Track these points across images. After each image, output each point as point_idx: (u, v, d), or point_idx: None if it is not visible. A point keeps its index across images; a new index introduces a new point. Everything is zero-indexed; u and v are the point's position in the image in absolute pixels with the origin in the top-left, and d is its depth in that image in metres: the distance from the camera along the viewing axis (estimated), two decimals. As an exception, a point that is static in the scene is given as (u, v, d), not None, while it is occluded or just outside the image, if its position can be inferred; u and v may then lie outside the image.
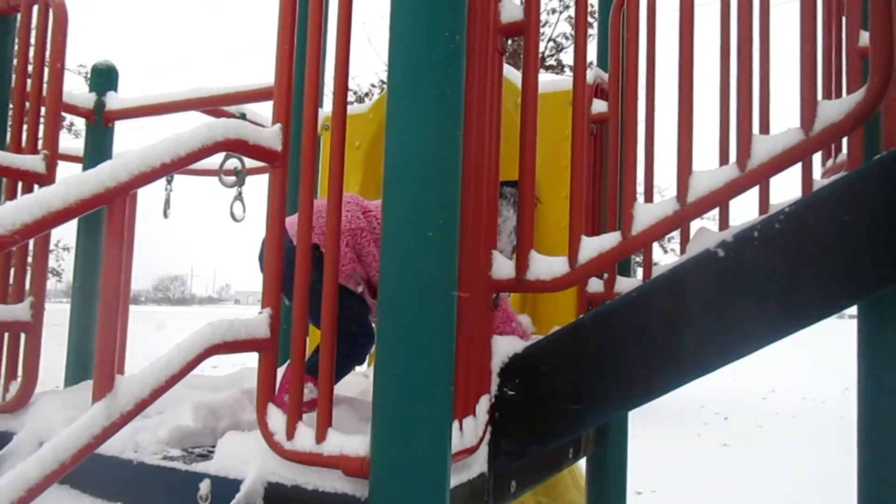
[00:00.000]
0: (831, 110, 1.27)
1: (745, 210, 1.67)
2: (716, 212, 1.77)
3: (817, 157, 2.06)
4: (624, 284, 1.99)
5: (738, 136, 1.33)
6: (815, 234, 1.24)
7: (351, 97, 11.98)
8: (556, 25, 12.08)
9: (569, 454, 1.97)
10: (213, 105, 3.04)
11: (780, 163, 1.30)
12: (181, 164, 1.19)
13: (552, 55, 11.87)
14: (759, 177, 1.33)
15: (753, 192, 1.64)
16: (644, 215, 1.39)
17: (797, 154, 1.29)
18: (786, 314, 1.30)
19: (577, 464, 2.67)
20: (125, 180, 1.12)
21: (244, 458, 1.40)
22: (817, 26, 1.39)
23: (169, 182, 4.43)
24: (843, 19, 1.77)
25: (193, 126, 1.29)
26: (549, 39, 11.91)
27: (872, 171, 1.22)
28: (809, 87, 1.31)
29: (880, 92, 1.22)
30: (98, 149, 2.94)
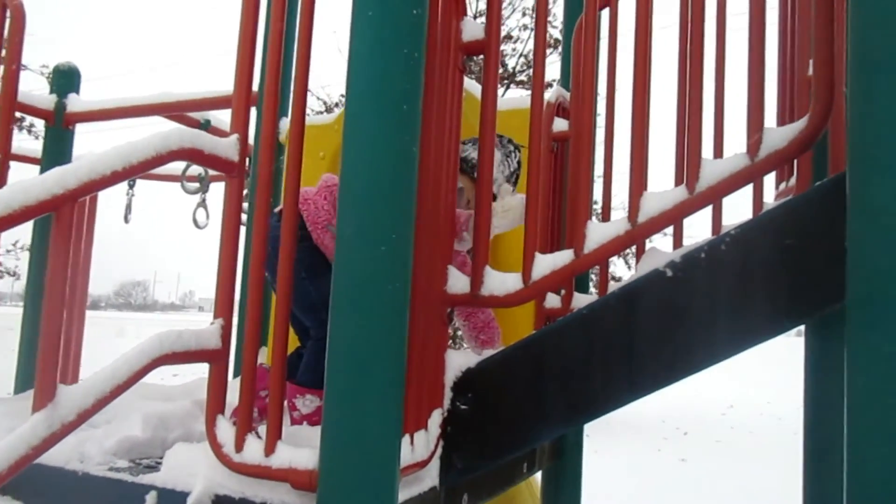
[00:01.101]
0: (776, 137, 1.31)
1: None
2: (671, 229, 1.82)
3: (771, 180, 2.12)
4: (581, 301, 2.02)
5: (687, 160, 1.36)
6: (758, 257, 1.28)
7: (320, 107, 11.94)
8: (527, 41, 12.21)
9: (523, 468, 1.98)
10: (176, 111, 3.01)
11: (727, 186, 1.34)
12: (133, 172, 1.18)
13: (523, 71, 11.99)
14: (708, 199, 1.36)
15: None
16: (596, 234, 1.41)
17: (743, 178, 1.33)
18: (731, 334, 1.33)
19: (535, 477, 2.69)
20: (73, 188, 1.10)
21: (192, 469, 1.38)
22: (765, 56, 1.44)
23: (131, 187, 4.36)
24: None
25: (149, 133, 1.28)
26: (521, 55, 12.03)
27: (814, 196, 1.26)
28: (756, 114, 1.35)
29: (822, 120, 1.26)
30: (57, 151, 2.89)
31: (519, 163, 2.22)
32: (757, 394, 13.90)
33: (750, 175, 1.34)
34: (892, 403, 0.96)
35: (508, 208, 2.06)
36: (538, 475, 2.45)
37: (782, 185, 2.15)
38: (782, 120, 1.91)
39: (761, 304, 1.31)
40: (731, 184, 1.34)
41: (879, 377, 0.96)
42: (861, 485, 0.98)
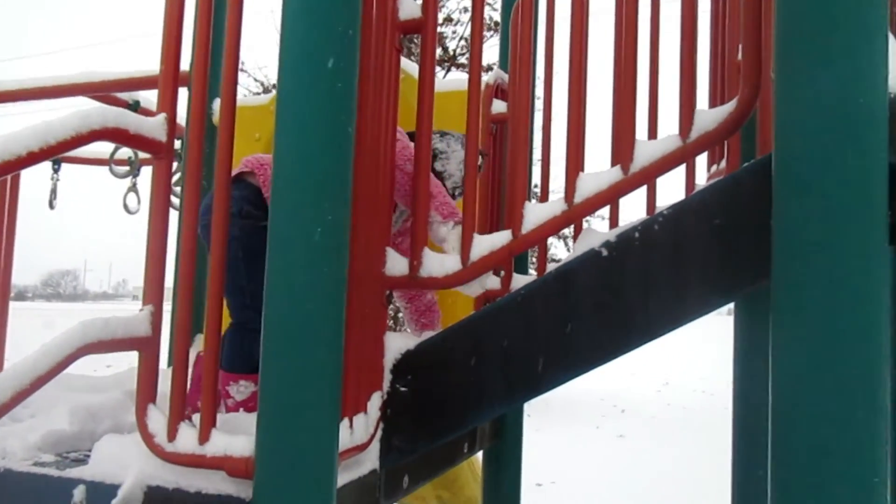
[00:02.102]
0: (706, 119, 1.34)
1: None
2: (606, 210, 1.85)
3: (704, 161, 2.18)
4: (520, 282, 2.03)
5: (620, 141, 1.38)
6: (690, 236, 1.31)
7: (257, 88, 11.67)
8: (467, 24, 12.20)
9: (463, 448, 2.00)
10: (102, 91, 2.89)
11: (660, 167, 1.36)
12: (51, 153, 1.12)
13: (463, 54, 11.97)
14: (642, 180, 1.39)
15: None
16: (533, 214, 1.42)
17: (675, 159, 1.36)
18: (665, 311, 1.37)
19: (477, 457, 2.72)
20: (-15, 168, 1.04)
21: (123, 461, 1.33)
22: (696, 41, 1.47)
23: (55, 171, 4.17)
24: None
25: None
26: (461, 38, 12.00)
27: (742, 176, 1.30)
28: (688, 96, 1.38)
29: (749, 103, 1.30)
30: (-29, 133, 2.73)
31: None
32: (691, 372, 14.40)
33: (682, 156, 1.37)
34: (813, 376, 1.00)
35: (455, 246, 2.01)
36: (479, 455, 2.48)
37: (714, 167, 2.21)
38: (714, 102, 1.96)
39: (692, 282, 1.35)
40: (664, 165, 1.37)
41: (802, 352, 1.00)
42: (784, 456, 1.02)
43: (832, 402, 0.98)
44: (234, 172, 1.77)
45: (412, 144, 1.82)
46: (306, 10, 1.18)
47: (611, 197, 1.40)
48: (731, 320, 2.26)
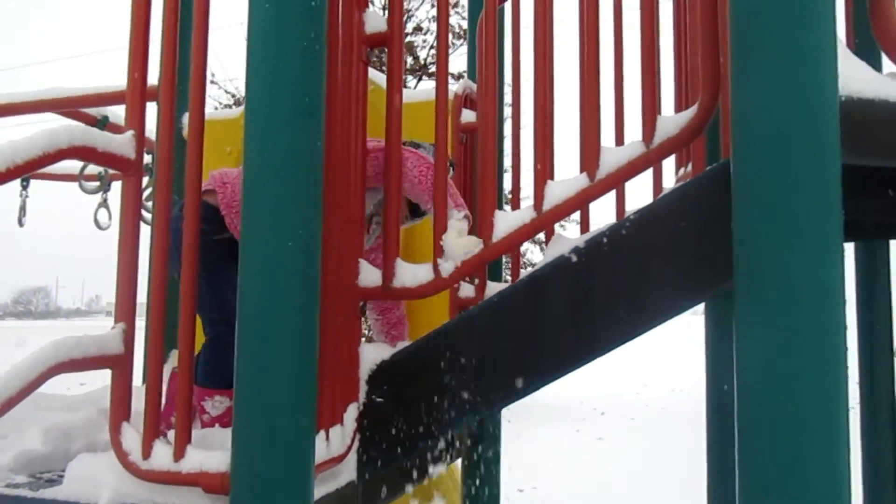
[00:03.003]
0: (669, 125, 1.37)
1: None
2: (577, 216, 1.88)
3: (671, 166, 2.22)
4: (493, 289, 2.05)
5: (587, 148, 1.41)
6: (656, 240, 1.34)
7: (228, 100, 11.60)
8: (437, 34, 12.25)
9: (442, 456, 2.00)
10: (69, 107, 2.86)
11: (625, 173, 1.39)
12: (18, 173, 1.11)
13: (434, 62, 12.01)
14: (609, 186, 1.41)
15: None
16: (504, 223, 1.44)
17: (640, 164, 1.39)
18: (633, 315, 1.39)
19: (457, 465, 2.73)
20: (-49, 190, 1.03)
21: (97, 481, 1.33)
22: (658, 47, 1.50)
23: (24, 188, 4.11)
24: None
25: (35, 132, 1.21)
26: (431, 47, 12.05)
27: (704, 180, 1.33)
28: (650, 103, 1.41)
29: (709, 108, 1.33)
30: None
31: None
32: (668, 372, 14.54)
33: (647, 161, 1.39)
34: (775, 373, 1.03)
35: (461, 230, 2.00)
36: (458, 464, 2.49)
37: (682, 170, 2.26)
38: (679, 108, 2.00)
39: (660, 286, 1.37)
40: (630, 170, 1.39)
41: (763, 350, 1.03)
42: (749, 449, 1.04)
43: (794, 396, 1.01)
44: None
45: (429, 157, 1.83)
46: (272, 25, 1.19)
47: (579, 203, 1.42)
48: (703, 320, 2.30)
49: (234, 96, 11.72)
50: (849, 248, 2.44)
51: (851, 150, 1.07)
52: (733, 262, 1.09)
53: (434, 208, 1.52)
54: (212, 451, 1.24)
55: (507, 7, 1.94)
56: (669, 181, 2.05)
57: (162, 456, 1.26)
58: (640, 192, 1.81)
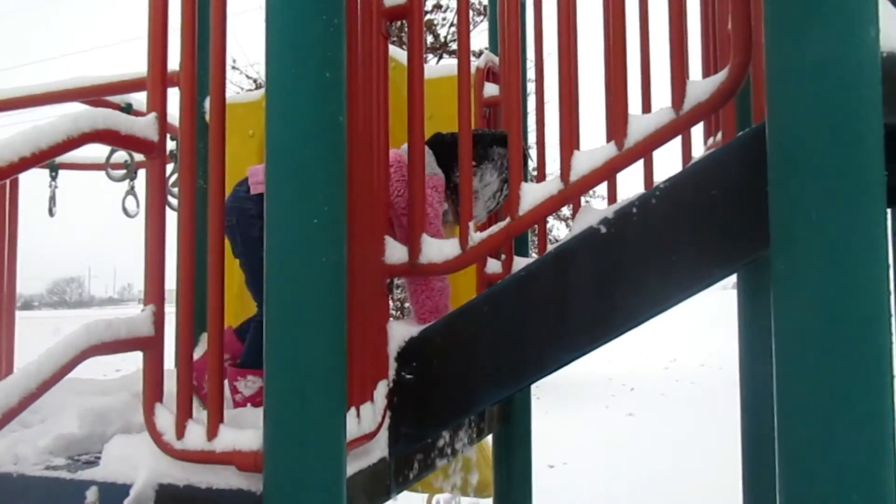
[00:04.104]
0: (698, 90, 1.33)
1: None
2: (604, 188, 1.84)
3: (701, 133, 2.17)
4: (521, 264, 2.03)
5: (613, 117, 1.38)
6: (687, 209, 1.31)
7: (249, 84, 11.63)
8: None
9: (473, 433, 2.00)
10: (93, 95, 2.87)
11: (654, 141, 1.36)
12: (43, 157, 1.12)
13: (454, 40, 11.90)
14: (637, 154, 1.38)
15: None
16: (530, 195, 1.42)
17: (669, 132, 1.35)
18: (664, 286, 1.36)
19: (488, 441, 2.73)
20: (-23, 177, 1.04)
21: (133, 461, 1.34)
22: (686, 11, 1.45)
23: (53, 178, 4.16)
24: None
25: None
26: (451, 25, 11.93)
27: (735, 146, 1.29)
28: (679, 68, 1.37)
29: (741, 71, 1.29)
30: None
31: (505, 180, 1.99)
32: (698, 347, 14.42)
33: (676, 128, 1.36)
34: (815, 343, 1.00)
35: None
36: (489, 440, 2.49)
37: (711, 139, 2.20)
38: (707, 73, 1.94)
39: (690, 256, 1.34)
40: (658, 138, 1.36)
41: (803, 318, 1.00)
42: (789, 422, 1.02)
43: (836, 368, 0.98)
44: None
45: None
46: (290, 1, 1.17)
47: (606, 173, 1.39)
48: (735, 294, 2.26)
49: (255, 81, 11.75)
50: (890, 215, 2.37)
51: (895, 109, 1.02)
52: (770, 228, 1.06)
53: (460, 182, 1.50)
54: (244, 430, 1.25)
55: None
56: (698, 151, 2.01)
57: (195, 436, 1.27)
58: (668, 164, 1.77)
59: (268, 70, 1.18)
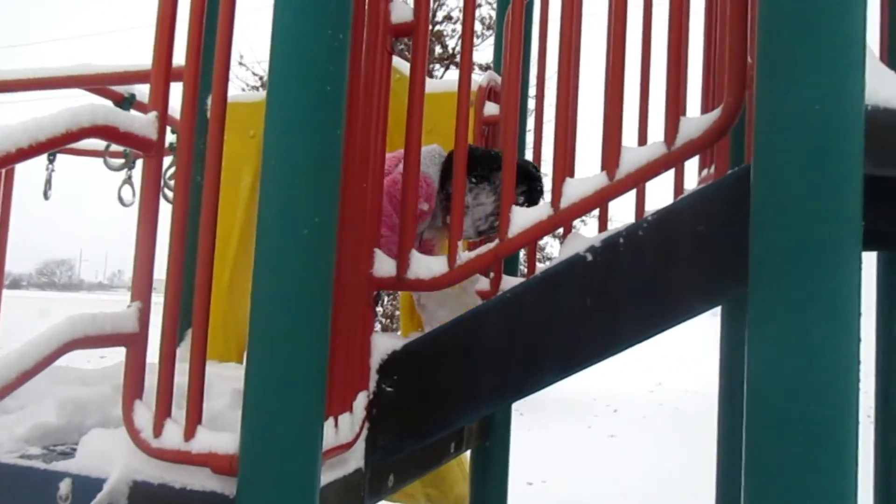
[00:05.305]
0: (692, 127, 1.35)
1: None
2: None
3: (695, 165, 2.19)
4: (509, 284, 2.05)
5: (607, 147, 1.40)
6: (673, 242, 1.33)
7: (256, 82, 11.65)
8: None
9: (450, 448, 2.01)
10: (98, 83, 2.88)
11: (645, 173, 1.38)
12: (41, 149, 1.13)
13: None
14: (627, 186, 1.40)
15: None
16: (520, 218, 1.44)
17: (661, 166, 1.37)
18: (647, 317, 1.38)
19: (466, 455, 2.74)
20: (-26, 165, 1.05)
21: (109, 456, 1.35)
22: (686, 47, 1.48)
23: (51, 161, 4.16)
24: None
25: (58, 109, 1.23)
26: (460, 37, 11.98)
27: (724, 184, 1.31)
28: (674, 103, 1.39)
29: (734, 111, 1.31)
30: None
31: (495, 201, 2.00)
32: (684, 372, 14.44)
33: (667, 163, 1.38)
34: (784, 377, 1.02)
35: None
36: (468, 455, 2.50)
37: (705, 171, 2.23)
38: (706, 109, 1.97)
39: (677, 288, 1.36)
40: (650, 171, 1.38)
41: (775, 355, 1.02)
42: (757, 456, 1.04)
43: (802, 399, 1.00)
44: None
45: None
46: (297, 12, 1.19)
47: (597, 202, 1.41)
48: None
49: (261, 78, 11.78)
50: (872, 258, 2.40)
51: (877, 160, 1.05)
52: (749, 267, 1.08)
53: (453, 197, 1.52)
54: (222, 433, 1.26)
55: (537, 0, 1.92)
56: (692, 181, 2.03)
57: (173, 435, 1.28)
58: (662, 190, 1.79)
59: (270, 80, 1.19)
